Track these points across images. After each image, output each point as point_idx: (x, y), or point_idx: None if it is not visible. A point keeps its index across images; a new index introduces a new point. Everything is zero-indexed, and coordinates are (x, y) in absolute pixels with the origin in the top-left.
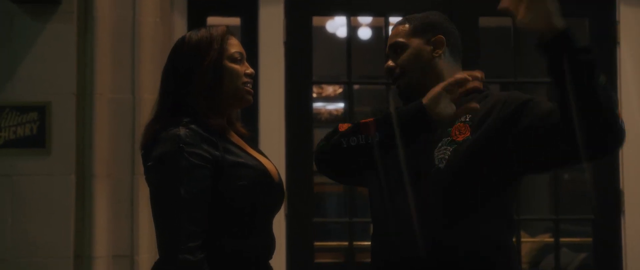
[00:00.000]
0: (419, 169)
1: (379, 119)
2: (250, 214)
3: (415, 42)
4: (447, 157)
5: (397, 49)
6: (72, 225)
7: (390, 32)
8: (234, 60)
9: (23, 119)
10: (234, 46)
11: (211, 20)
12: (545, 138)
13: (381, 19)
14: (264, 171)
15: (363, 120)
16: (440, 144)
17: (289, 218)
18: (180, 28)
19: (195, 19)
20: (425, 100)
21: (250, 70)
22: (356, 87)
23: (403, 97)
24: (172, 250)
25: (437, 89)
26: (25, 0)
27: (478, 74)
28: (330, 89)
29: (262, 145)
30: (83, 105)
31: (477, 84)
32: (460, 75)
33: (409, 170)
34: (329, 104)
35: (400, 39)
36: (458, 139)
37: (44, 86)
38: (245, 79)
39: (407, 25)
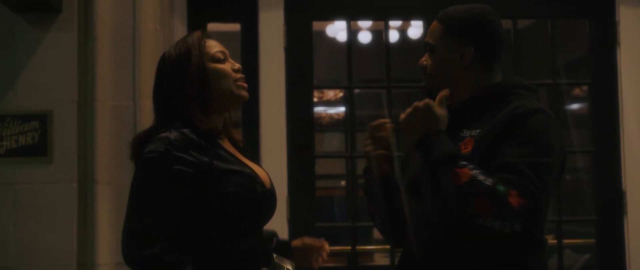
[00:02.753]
0: (427, 183)
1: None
2: (239, 220)
3: (444, 48)
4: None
5: (428, 49)
6: (74, 233)
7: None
8: (216, 60)
9: (24, 128)
10: (213, 47)
11: (211, 26)
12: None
13: (381, 23)
14: (253, 178)
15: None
16: None
17: (292, 223)
18: (180, 34)
19: (196, 25)
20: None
21: (237, 66)
22: (357, 90)
23: (429, 96)
24: (130, 244)
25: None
26: (26, 9)
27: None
28: (331, 93)
29: (264, 151)
30: (84, 113)
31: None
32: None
33: (420, 185)
34: (330, 108)
35: (431, 41)
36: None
37: (45, 94)
38: (235, 75)
39: (441, 26)
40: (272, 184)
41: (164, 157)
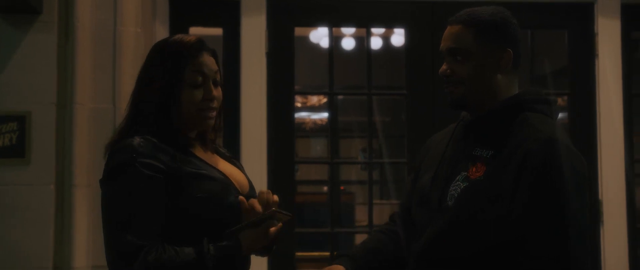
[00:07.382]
0: (435, 201)
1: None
2: (214, 226)
3: (481, 52)
4: (456, 195)
5: (457, 55)
6: (51, 236)
7: (444, 33)
8: (193, 85)
9: (2, 129)
10: (200, 65)
11: (193, 30)
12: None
13: (363, 30)
14: (226, 184)
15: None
16: (457, 178)
17: None
18: (161, 38)
19: (177, 29)
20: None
21: (210, 95)
22: (341, 96)
23: (455, 106)
24: (120, 265)
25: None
26: (6, 9)
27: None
28: (315, 99)
29: (244, 155)
30: (63, 115)
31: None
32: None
33: (428, 200)
34: (314, 114)
35: (461, 46)
36: (471, 177)
37: (23, 96)
38: (202, 105)
39: (469, 30)
40: (252, 188)
41: (130, 166)
